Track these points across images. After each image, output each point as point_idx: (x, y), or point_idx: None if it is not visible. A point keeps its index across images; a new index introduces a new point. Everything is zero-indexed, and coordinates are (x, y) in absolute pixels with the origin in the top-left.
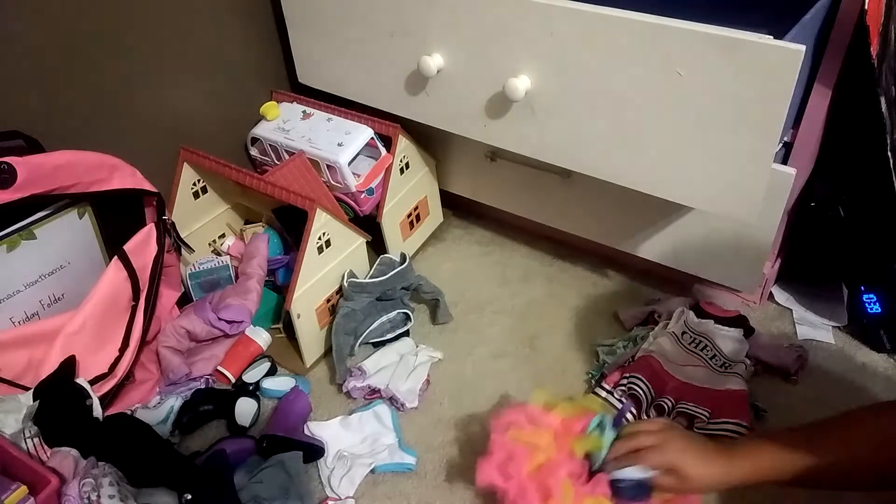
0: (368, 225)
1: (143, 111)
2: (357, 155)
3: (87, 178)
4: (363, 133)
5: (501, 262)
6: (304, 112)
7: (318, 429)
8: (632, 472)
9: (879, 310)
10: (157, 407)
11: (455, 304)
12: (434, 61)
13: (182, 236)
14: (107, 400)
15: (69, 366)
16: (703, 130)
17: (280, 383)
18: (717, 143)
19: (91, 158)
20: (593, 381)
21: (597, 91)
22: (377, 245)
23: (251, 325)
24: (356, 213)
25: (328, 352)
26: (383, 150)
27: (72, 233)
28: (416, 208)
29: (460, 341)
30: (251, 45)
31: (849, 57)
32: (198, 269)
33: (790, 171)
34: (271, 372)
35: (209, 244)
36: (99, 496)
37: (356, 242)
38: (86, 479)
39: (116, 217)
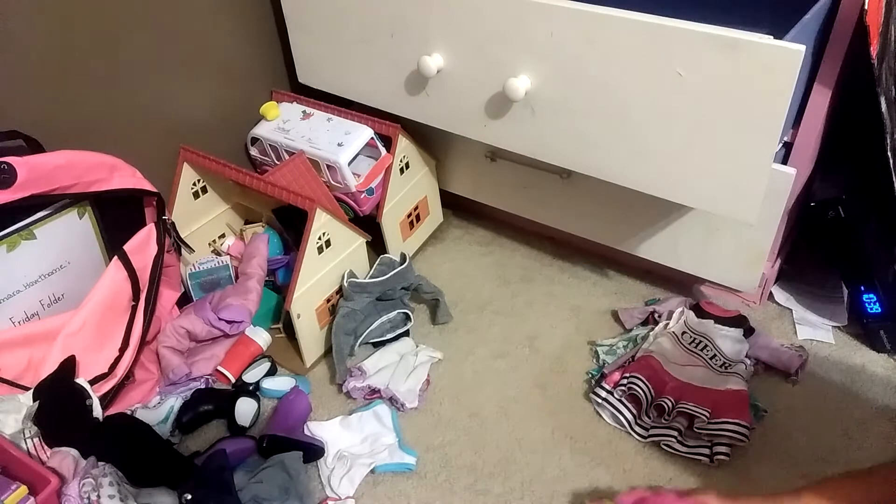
0: (368, 225)
1: (143, 111)
2: (357, 155)
3: (86, 178)
4: (363, 133)
5: (501, 262)
6: (304, 112)
7: (318, 429)
8: None
9: (879, 310)
10: (157, 407)
11: (455, 304)
12: (434, 61)
13: (182, 236)
14: (107, 400)
15: (69, 366)
16: (703, 130)
17: (280, 383)
18: (716, 142)
19: (91, 158)
20: (593, 381)
21: (597, 91)
22: (377, 245)
23: (251, 325)
24: (356, 213)
25: (328, 352)
26: (383, 150)
27: (72, 233)
28: (416, 208)
29: (460, 341)
30: (251, 46)
31: (849, 57)
32: (198, 269)
33: (790, 171)
34: (271, 372)
35: (209, 244)
36: (99, 496)
37: (356, 242)
38: (86, 479)
39: (116, 217)
